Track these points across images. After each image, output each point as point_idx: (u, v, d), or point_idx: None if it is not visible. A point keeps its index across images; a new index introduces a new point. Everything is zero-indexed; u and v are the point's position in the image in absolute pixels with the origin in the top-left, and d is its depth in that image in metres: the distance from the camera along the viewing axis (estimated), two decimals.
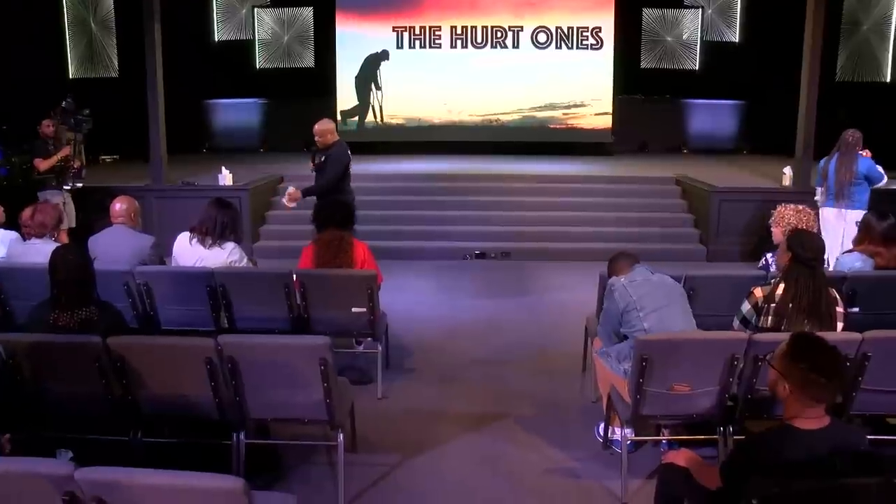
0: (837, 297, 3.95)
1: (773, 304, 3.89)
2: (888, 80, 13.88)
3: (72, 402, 3.63)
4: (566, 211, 10.05)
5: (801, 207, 4.96)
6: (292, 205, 7.15)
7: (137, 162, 11.79)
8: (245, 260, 5.19)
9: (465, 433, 4.68)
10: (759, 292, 4.01)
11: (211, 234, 5.04)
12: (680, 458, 3.05)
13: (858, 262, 4.97)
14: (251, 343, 3.59)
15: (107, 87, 13.83)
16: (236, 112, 14.96)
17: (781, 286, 3.91)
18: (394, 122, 13.98)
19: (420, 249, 9.28)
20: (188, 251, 5.10)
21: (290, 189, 7.13)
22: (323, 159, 7.03)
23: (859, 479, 2.04)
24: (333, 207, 5.52)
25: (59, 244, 4.87)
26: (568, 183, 10.83)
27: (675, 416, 3.88)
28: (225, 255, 5.05)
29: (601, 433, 4.48)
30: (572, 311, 6.64)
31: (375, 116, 13.97)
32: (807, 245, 3.90)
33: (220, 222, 5.04)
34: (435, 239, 9.54)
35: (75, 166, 8.70)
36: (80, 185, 8.86)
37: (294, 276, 4.93)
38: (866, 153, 7.35)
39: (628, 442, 4.05)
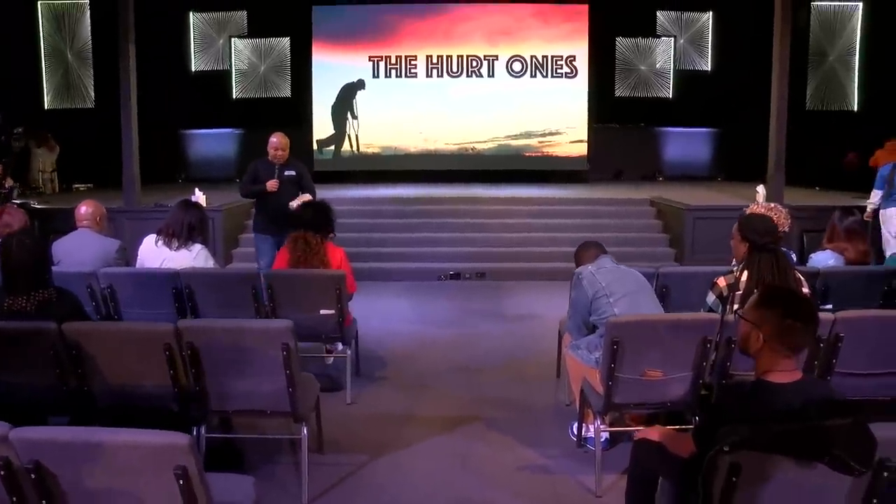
0: (802, 278, 3.91)
1: (738, 293, 3.84)
2: (855, 108, 14.17)
3: (23, 394, 3.48)
4: (542, 232, 10.04)
5: (772, 205, 4.95)
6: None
7: (111, 190, 11.68)
8: (212, 262, 5.09)
9: (435, 434, 4.57)
10: (722, 282, 3.97)
11: (177, 235, 4.95)
12: (652, 433, 2.97)
13: (831, 260, 4.98)
14: (212, 327, 3.48)
15: (82, 117, 13.80)
16: (212, 142, 14.91)
17: (745, 273, 3.86)
18: (370, 151, 14.00)
19: (394, 271, 9.22)
20: (154, 253, 5.00)
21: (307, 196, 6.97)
22: (293, 173, 6.94)
23: (832, 421, 1.97)
24: (313, 211, 5.44)
25: None
26: (543, 205, 10.85)
27: (649, 405, 3.80)
28: (192, 257, 4.95)
29: (575, 432, 4.39)
30: (546, 325, 6.55)
31: (351, 145, 13.99)
32: (759, 229, 3.89)
33: (186, 223, 4.95)
34: (409, 260, 9.48)
35: (6, 185, 8.59)
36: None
37: (261, 276, 4.83)
38: None
39: (602, 439, 3.97)
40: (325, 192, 9.80)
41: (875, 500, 2.24)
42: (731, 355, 3.55)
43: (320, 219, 5.31)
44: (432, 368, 5.82)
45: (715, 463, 2.17)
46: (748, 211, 5.05)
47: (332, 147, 14.02)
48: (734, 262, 5.20)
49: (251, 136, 14.54)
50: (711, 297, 3.96)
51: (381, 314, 7.37)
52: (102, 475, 2.21)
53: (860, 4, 14.05)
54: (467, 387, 5.41)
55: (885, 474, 2.19)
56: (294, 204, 6.97)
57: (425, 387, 5.43)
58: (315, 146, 13.91)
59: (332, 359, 5.68)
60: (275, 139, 6.95)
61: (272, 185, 6.82)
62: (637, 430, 4.15)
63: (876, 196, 8.11)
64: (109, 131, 10.41)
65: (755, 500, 2.21)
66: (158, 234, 5.04)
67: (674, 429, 2.92)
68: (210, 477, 2.44)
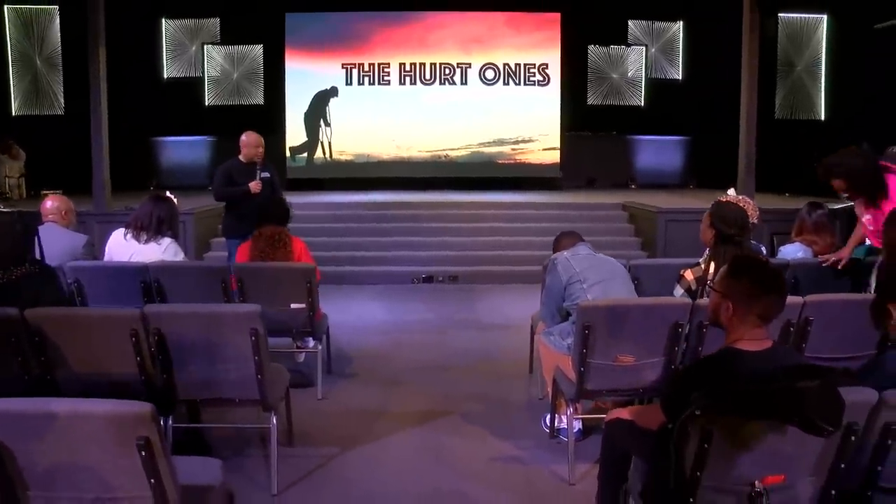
0: None
1: (706, 285, 3.86)
2: (822, 118, 14.40)
3: None
4: (515, 236, 10.05)
5: (740, 197, 4.99)
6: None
7: (81, 196, 11.53)
8: (182, 256, 5.02)
9: (407, 428, 4.53)
10: (689, 274, 3.99)
11: (146, 228, 4.87)
12: (622, 412, 2.97)
13: (800, 252, 5.02)
14: (179, 312, 3.42)
15: (52, 124, 13.61)
16: (184, 149, 14.77)
17: (712, 265, 3.88)
18: (343, 158, 13.96)
19: (367, 274, 9.17)
20: (122, 246, 4.91)
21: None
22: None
23: (801, 383, 1.98)
24: (274, 204, 5.42)
25: None
26: (516, 210, 10.88)
27: (621, 391, 3.79)
28: (161, 251, 4.86)
29: (548, 424, 4.38)
30: (519, 326, 6.51)
31: (324, 153, 13.94)
32: (728, 219, 3.92)
33: (155, 217, 4.88)
34: (382, 264, 9.44)
35: None
36: None
37: (231, 270, 4.78)
38: None
39: (575, 428, 3.96)
40: (298, 199, 9.78)
41: (843, 465, 2.26)
42: (703, 340, 3.55)
43: (283, 212, 5.28)
44: (405, 366, 5.78)
45: (686, 428, 2.16)
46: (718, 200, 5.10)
47: (305, 154, 13.96)
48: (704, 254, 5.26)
49: (224, 143, 14.41)
50: (679, 290, 3.97)
51: (353, 317, 7.31)
52: (60, 448, 2.14)
53: (825, 17, 14.30)
54: (440, 383, 5.37)
55: (853, 438, 2.21)
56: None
57: (398, 383, 5.38)
58: (288, 153, 13.84)
59: (303, 357, 5.62)
60: (253, 137, 6.72)
61: (255, 186, 6.53)
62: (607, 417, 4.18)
63: None
64: (80, 138, 10.27)
65: (727, 466, 2.21)
66: (127, 227, 4.96)
67: (643, 407, 2.91)
68: (176, 460, 2.39)
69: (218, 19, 14.42)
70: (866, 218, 4.60)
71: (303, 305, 4.82)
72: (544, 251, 9.46)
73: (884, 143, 10.83)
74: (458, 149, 13.88)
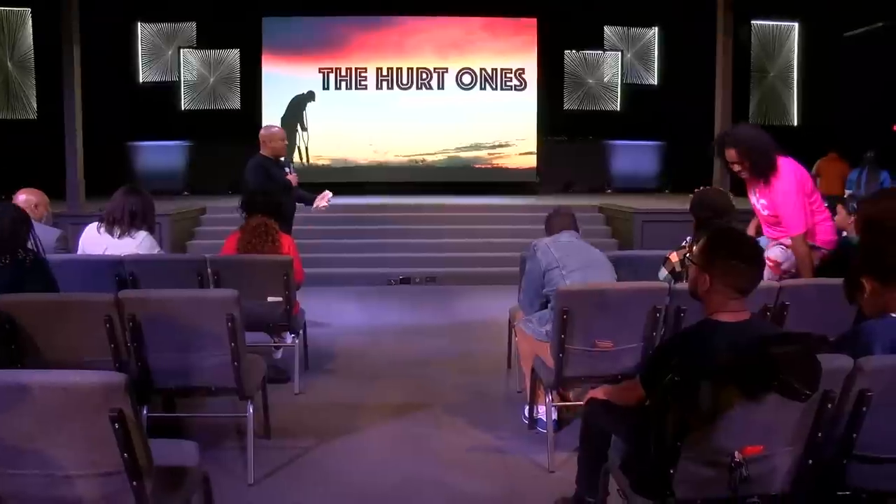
0: None
1: (686, 258, 3.89)
2: (795, 123, 14.62)
3: None
4: (492, 238, 10.06)
5: (719, 189, 5.04)
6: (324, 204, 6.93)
7: (55, 200, 11.38)
8: (158, 250, 4.96)
9: (386, 419, 4.51)
10: (674, 257, 4.01)
11: (119, 222, 4.78)
12: (599, 392, 2.97)
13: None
14: (154, 297, 3.38)
15: (24, 129, 13.42)
16: (160, 154, 14.64)
17: (695, 248, 3.90)
18: (320, 162, 13.91)
19: (345, 276, 9.12)
20: (96, 240, 4.83)
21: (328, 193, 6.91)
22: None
23: (780, 348, 1.99)
24: (262, 194, 5.36)
25: None
26: (493, 212, 10.90)
27: (599, 377, 3.78)
28: (136, 245, 4.77)
29: (527, 415, 4.36)
30: (497, 324, 6.45)
31: (301, 157, 13.87)
32: (705, 204, 3.96)
33: (129, 210, 4.78)
34: (359, 265, 9.40)
35: None
36: None
37: (207, 262, 4.73)
38: None
39: (554, 416, 3.96)
40: None
41: (820, 434, 2.27)
42: (681, 325, 3.56)
43: (273, 205, 5.25)
44: (383, 362, 5.76)
45: (665, 397, 2.16)
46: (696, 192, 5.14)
47: (282, 159, 13.86)
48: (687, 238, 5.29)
49: (199, 148, 14.38)
50: (664, 273, 4.00)
51: (330, 318, 7.24)
52: (29, 423, 2.09)
53: (796, 24, 14.53)
54: (418, 378, 5.35)
55: (829, 406, 2.22)
56: (322, 204, 6.89)
57: (376, 378, 5.35)
58: None
59: (280, 353, 5.57)
60: (280, 131, 6.73)
61: (294, 178, 6.59)
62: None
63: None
64: (53, 143, 10.13)
65: (706, 437, 2.21)
66: (101, 221, 4.89)
67: (620, 384, 2.92)
68: (152, 443, 2.36)
69: (194, 23, 14.33)
70: (761, 203, 4.47)
71: (280, 299, 4.78)
72: (521, 252, 9.55)
73: (856, 149, 11.04)
74: (435, 153, 13.89)
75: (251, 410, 3.62)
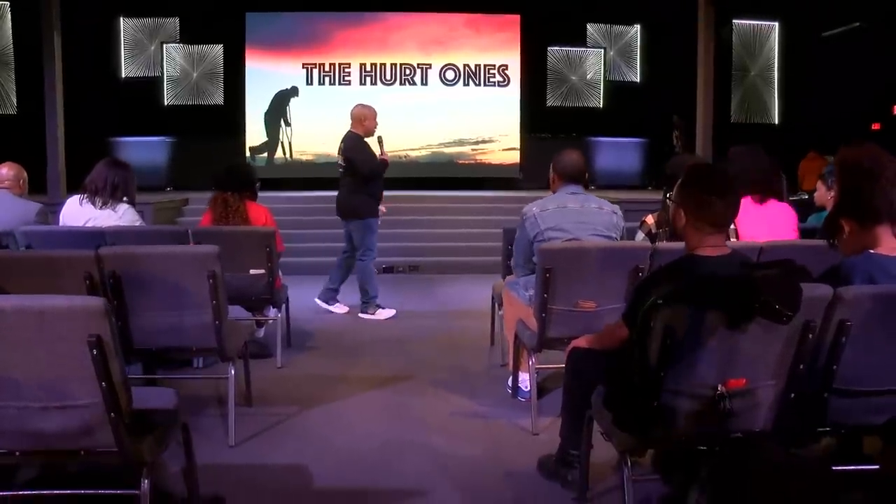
0: None
1: (667, 228, 3.90)
2: (776, 122, 14.76)
3: None
4: (475, 228, 10.06)
5: (694, 154, 5.06)
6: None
7: (36, 194, 11.27)
8: (140, 222, 4.92)
9: (369, 390, 4.50)
10: (650, 219, 4.04)
11: (101, 193, 4.72)
12: (581, 341, 2.97)
13: None
14: (135, 253, 3.35)
15: (4, 124, 13.29)
16: (142, 150, 14.47)
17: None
18: (303, 158, 13.86)
19: (325, 265, 9.05)
20: (77, 212, 4.77)
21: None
22: None
23: (761, 271, 2.00)
24: (231, 169, 5.33)
25: None
26: (476, 203, 10.91)
27: None
28: (117, 217, 4.73)
29: (510, 385, 4.36)
30: (480, 308, 6.44)
31: (285, 153, 13.83)
32: (676, 165, 3.98)
33: (110, 182, 4.74)
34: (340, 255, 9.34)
35: None
36: None
37: (189, 233, 4.70)
38: None
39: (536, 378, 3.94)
40: (259, 196, 9.64)
41: (801, 366, 2.28)
42: None
43: (236, 179, 5.20)
44: (365, 340, 5.75)
45: (649, 321, 2.16)
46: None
47: (266, 154, 13.83)
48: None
49: (182, 143, 14.29)
50: (640, 235, 4.01)
51: (313, 304, 7.21)
52: (3, 348, 2.06)
53: (776, 24, 14.68)
54: (401, 353, 5.36)
55: (810, 336, 2.23)
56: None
57: (358, 354, 5.34)
58: (248, 153, 13.71)
59: (262, 332, 5.53)
60: (373, 109, 6.82)
61: (387, 157, 6.70)
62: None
63: None
64: (33, 139, 10.03)
65: (689, 369, 2.22)
66: (82, 192, 4.83)
67: (601, 331, 2.92)
68: (135, 391, 2.34)
69: (177, 18, 14.25)
70: None
71: (262, 271, 4.75)
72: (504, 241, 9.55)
73: (835, 147, 11.16)
74: (418, 149, 13.88)
75: (232, 372, 3.59)
